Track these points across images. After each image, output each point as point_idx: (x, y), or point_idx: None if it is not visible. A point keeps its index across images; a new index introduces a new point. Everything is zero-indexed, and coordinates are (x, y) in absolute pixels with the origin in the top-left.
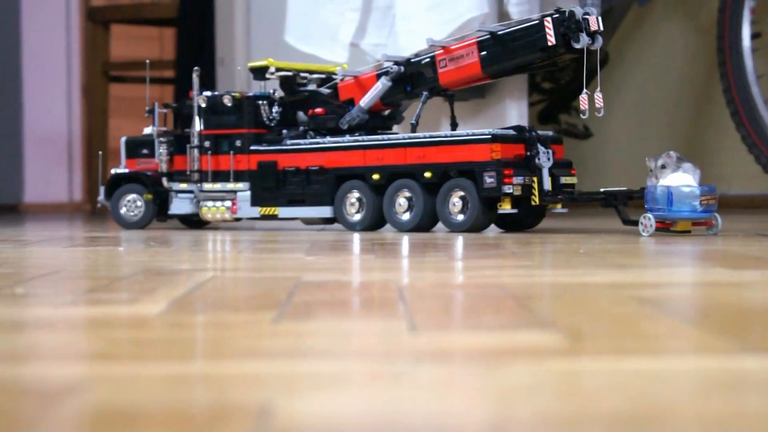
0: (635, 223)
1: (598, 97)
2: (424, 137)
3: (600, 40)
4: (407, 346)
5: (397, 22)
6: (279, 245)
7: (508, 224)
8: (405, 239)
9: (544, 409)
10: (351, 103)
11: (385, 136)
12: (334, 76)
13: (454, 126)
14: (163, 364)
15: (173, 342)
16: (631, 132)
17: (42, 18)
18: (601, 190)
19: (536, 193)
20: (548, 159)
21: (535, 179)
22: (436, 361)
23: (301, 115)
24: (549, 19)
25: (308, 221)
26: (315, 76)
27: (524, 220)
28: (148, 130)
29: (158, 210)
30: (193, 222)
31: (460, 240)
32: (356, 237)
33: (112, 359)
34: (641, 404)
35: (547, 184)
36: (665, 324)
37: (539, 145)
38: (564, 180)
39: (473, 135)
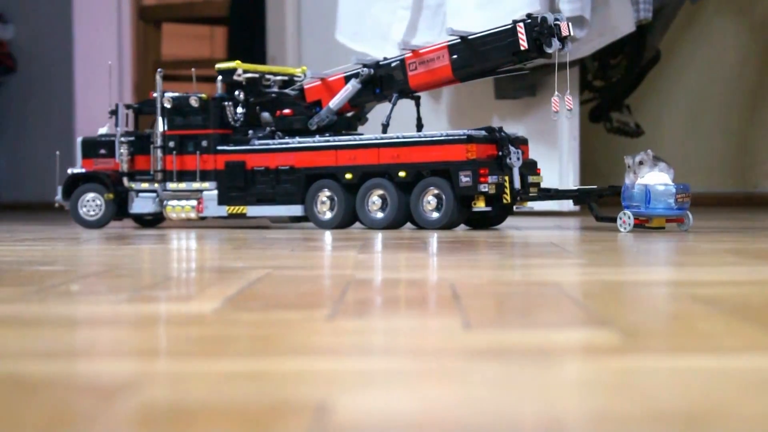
0: (608, 219)
1: (569, 99)
2: (399, 138)
3: (570, 45)
4: (462, 343)
5: (448, 20)
6: (330, 243)
7: (474, 221)
8: (449, 237)
9: (601, 407)
10: (318, 104)
11: (359, 137)
12: (296, 78)
13: (419, 127)
14: (220, 361)
15: (229, 339)
16: (683, 129)
17: (94, 17)
18: (575, 187)
19: (508, 191)
20: (518, 159)
21: (506, 178)
22: (491, 358)
23: (265, 115)
24: (521, 24)
25: (275, 219)
26: (278, 78)
27: (491, 217)
28: (103, 130)
29: (117, 209)
30: (146, 221)
31: (507, 239)
32: (405, 235)
33: (168, 356)
34: (699, 402)
35: (518, 183)
36: (721, 322)
37: (510, 146)
38: (531, 179)
39: (449, 136)
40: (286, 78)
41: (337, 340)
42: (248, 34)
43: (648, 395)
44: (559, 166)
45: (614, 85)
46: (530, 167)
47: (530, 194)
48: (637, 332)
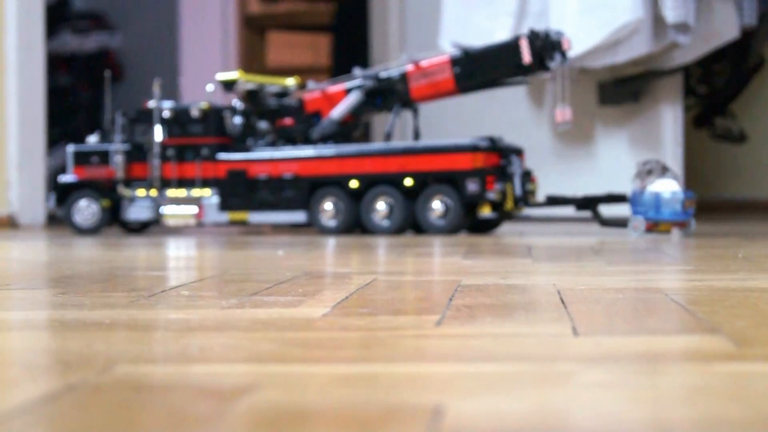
0: (614, 224)
1: (566, 111)
2: (406, 146)
3: (569, 59)
4: (571, 349)
5: (551, 27)
6: (434, 249)
7: (473, 227)
8: (555, 243)
9: (711, 412)
10: (317, 115)
11: (365, 145)
12: (289, 89)
13: (416, 136)
14: (332, 365)
15: (340, 343)
16: None
17: (199, 26)
18: (579, 195)
19: (510, 198)
20: (519, 167)
21: (508, 186)
22: (600, 364)
23: (263, 125)
24: (525, 39)
25: (276, 226)
26: (274, 89)
27: (489, 223)
28: (92, 139)
29: (111, 216)
30: (133, 228)
31: (602, 245)
32: (506, 241)
33: (281, 360)
34: None
35: (519, 190)
36: None
37: (511, 155)
38: (529, 187)
39: (456, 145)
40: (280, 89)
41: (447, 345)
42: (352, 42)
43: (760, 401)
44: None
45: (718, 91)
46: (526, 176)
47: (539, 202)
48: (747, 339)
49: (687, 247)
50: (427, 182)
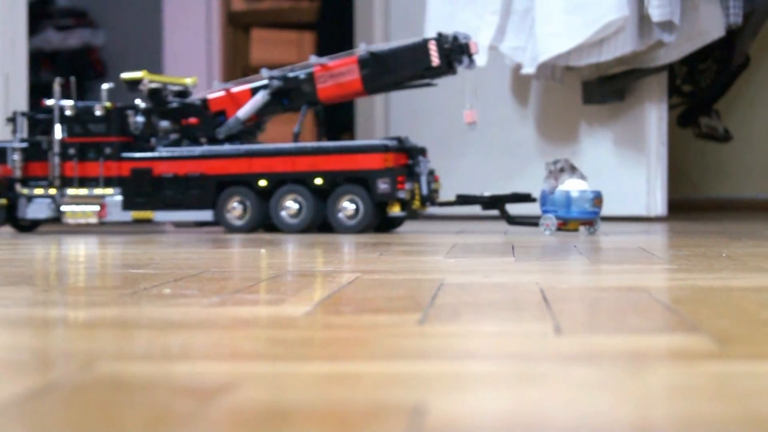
0: (522, 222)
1: (473, 112)
2: (316, 146)
3: (476, 62)
4: (553, 348)
5: (537, 25)
6: (418, 248)
7: (379, 225)
8: (531, 242)
9: (693, 411)
10: (222, 114)
11: (274, 145)
12: (189, 89)
13: (320, 137)
14: (314, 364)
15: (321, 342)
16: None
17: (183, 23)
18: (485, 194)
19: (417, 197)
20: (425, 167)
21: (416, 185)
22: (582, 363)
23: (165, 124)
24: (433, 41)
25: (180, 224)
26: (175, 88)
27: (393, 221)
28: None
29: (8, 214)
30: (25, 227)
31: (585, 244)
32: (493, 240)
33: (263, 359)
34: None
35: (425, 189)
36: None
37: (417, 155)
38: (433, 186)
39: (367, 145)
40: (181, 88)
41: (428, 344)
42: (336, 40)
43: (742, 400)
44: (647, 171)
45: (703, 90)
46: (430, 175)
47: (450, 201)
48: (730, 338)
49: (671, 246)
50: (337, 182)
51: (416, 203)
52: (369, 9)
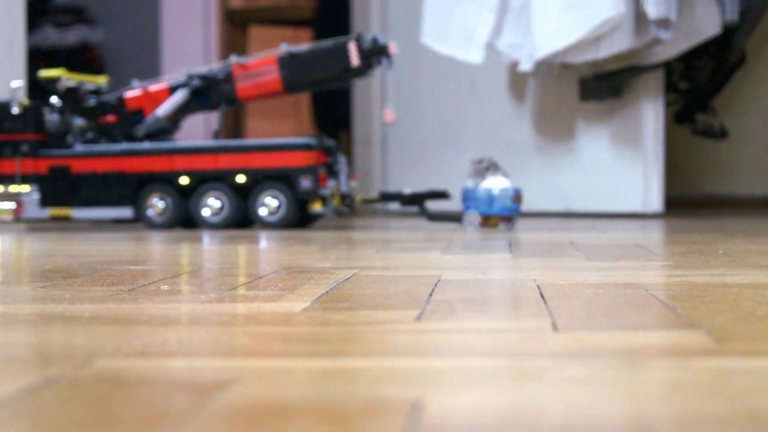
0: (443, 218)
1: (391, 112)
2: (238, 144)
3: (393, 63)
4: (550, 344)
5: (533, 22)
6: (415, 244)
7: (299, 222)
8: (528, 239)
9: (690, 407)
10: (140, 112)
11: (196, 142)
12: (102, 87)
13: (237, 134)
14: (312, 360)
15: (319, 338)
16: None
17: (181, 20)
18: (406, 191)
19: (337, 195)
20: (344, 165)
21: (336, 183)
22: (579, 359)
23: (80, 122)
24: (353, 42)
25: (98, 221)
26: (90, 86)
27: (313, 217)
28: None
29: None
30: None
31: (582, 241)
32: (490, 236)
33: (260, 355)
34: None
35: (344, 187)
36: None
37: (337, 153)
38: (350, 184)
39: (290, 143)
40: (96, 87)
41: (426, 340)
42: (333, 37)
43: (739, 396)
44: (643, 167)
45: (699, 87)
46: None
47: (372, 197)
48: (726, 334)
49: (667, 242)
50: (259, 179)
51: (336, 201)
52: (366, 6)
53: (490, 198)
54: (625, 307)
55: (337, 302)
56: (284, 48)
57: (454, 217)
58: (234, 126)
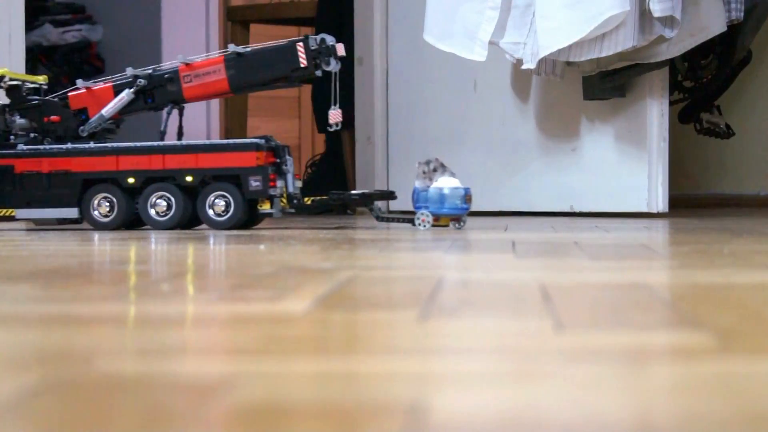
0: (392, 219)
1: (336, 113)
2: (187, 144)
3: (339, 65)
4: (553, 344)
5: (537, 20)
6: (417, 244)
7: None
8: (531, 239)
9: (695, 408)
10: (84, 112)
11: (144, 143)
12: (42, 86)
13: (180, 135)
14: (312, 361)
15: (321, 339)
16: None
17: (181, 18)
18: (354, 192)
19: (285, 195)
20: (291, 166)
21: (284, 183)
22: (583, 359)
23: (22, 122)
24: (301, 44)
25: (41, 222)
26: (32, 85)
27: (259, 217)
28: None
29: None
30: None
31: (586, 240)
32: (493, 236)
33: (261, 355)
34: None
35: (291, 187)
36: None
37: (284, 154)
38: (297, 184)
39: (239, 143)
40: (36, 86)
41: (427, 340)
42: (335, 35)
43: (744, 397)
44: (648, 167)
45: (704, 85)
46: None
47: (323, 198)
48: (731, 334)
49: (672, 242)
50: (208, 179)
51: (283, 201)
52: (368, 4)
53: (441, 198)
54: (630, 307)
55: (338, 302)
56: (231, 48)
57: (404, 218)
58: (180, 125)
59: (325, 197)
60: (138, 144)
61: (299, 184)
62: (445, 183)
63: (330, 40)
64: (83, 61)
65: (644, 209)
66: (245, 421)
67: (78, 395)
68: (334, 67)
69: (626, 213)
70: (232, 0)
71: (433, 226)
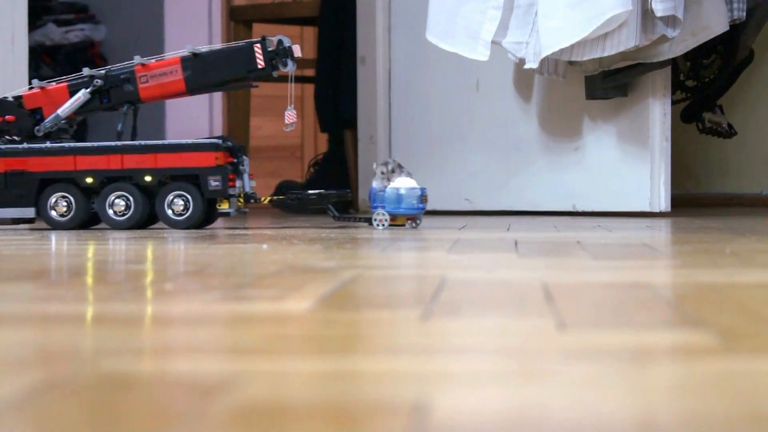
0: (348, 218)
1: (291, 113)
2: (146, 144)
3: (295, 66)
4: (556, 344)
5: (539, 19)
6: (419, 244)
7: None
8: (534, 238)
9: (697, 408)
10: (39, 112)
11: (102, 143)
12: None
13: (134, 135)
14: (315, 360)
15: (324, 338)
16: None
17: (184, 18)
18: (311, 192)
19: (242, 195)
20: (247, 165)
21: (241, 183)
22: (585, 359)
23: None
24: (258, 45)
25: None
26: None
27: (213, 216)
28: None
29: None
30: None
31: (589, 240)
32: (496, 236)
33: (263, 355)
34: None
35: (248, 187)
36: None
37: (240, 154)
38: (252, 184)
39: (199, 143)
40: None
41: (430, 340)
42: (338, 35)
43: (746, 396)
44: (650, 166)
45: (707, 85)
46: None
47: (278, 197)
48: (734, 334)
49: (674, 242)
50: (167, 179)
51: (240, 201)
52: (371, 3)
53: (398, 198)
54: (632, 306)
55: (341, 302)
56: (189, 49)
57: (361, 217)
58: (134, 126)
59: (282, 196)
60: (96, 144)
61: (254, 183)
62: (401, 183)
63: (286, 41)
64: (86, 61)
65: (647, 208)
66: (247, 420)
67: (80, 394)
68: (290, 68)
69: (629, 212)
70: (235, 0)
71: (391, 225)
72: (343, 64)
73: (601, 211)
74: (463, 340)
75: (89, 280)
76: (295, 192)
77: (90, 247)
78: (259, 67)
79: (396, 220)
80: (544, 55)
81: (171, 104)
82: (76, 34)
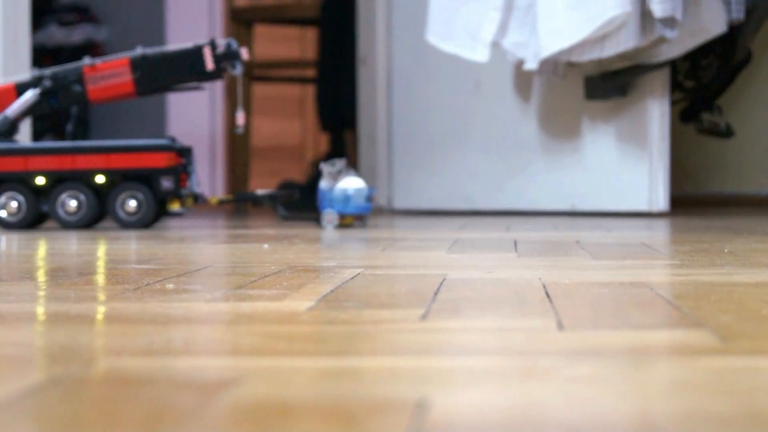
0: (298, 218)
1: (240, 115)
2: (97, 144)
3: (242, 68)
4: (555, 343)
5: (539, 21)
6: (420, 243)
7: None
8: (533, 238)
9: (696, 406)
10: None
11: (54, 143)
12: None
13: (75, 135)
14: (316, 359)
15: (325, 337)
16: None
17: (186, 19)
18: (260, 191)
19: (191, 194)
20: (195, 166)
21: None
22: (585, 358)
23: None
24: (207, 47)
25: None
26: None
27: (163, 216)
28: None
29: None
30: None
31: (588, 239)
32: (495, 236)
33: (265, 354)
34: None
35: (195, 187)
36: None
37: (189, 154)
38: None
39: (151, 144)
40: None
41: (431, 339)
42: (339, 35)
43: (745, 395)
44: (649, 166)
45: (705, 85)
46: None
47: (229, 198)
48: (732, 333)
49: (673, 241)
50: (118, 179)
51: (189, 201)
52: (371, 4)
53: (346, 198)
54: (631, 306)
55: (342, 301)
56: (138, 50)
57: (309, 217)
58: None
59: (230, 196)
60: (47, 144)
61: (200, 183)
62: (349, 184)
63: (234, 44)
64: None
65: (645, 208)
66: (249, 419)
67: (82, 393)
68: (239, 70)
69: (627, 212)
70: (236, 1)
71: (339, 225)
72: (344, 64)
73: (600, 211)
74: (463, 339)
75: (94, 279)
76: (244, 193)
77: (84, 247)
78: (208, 69)
79: (344, 220)
80: (543, 55)
81: (172, 104)
82: (78, 34)
